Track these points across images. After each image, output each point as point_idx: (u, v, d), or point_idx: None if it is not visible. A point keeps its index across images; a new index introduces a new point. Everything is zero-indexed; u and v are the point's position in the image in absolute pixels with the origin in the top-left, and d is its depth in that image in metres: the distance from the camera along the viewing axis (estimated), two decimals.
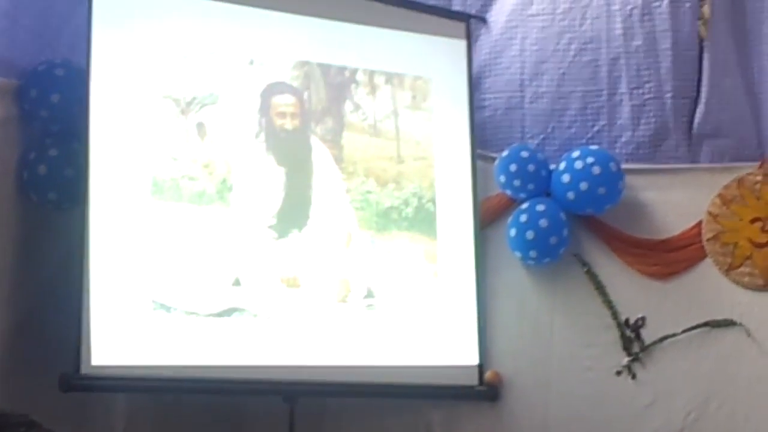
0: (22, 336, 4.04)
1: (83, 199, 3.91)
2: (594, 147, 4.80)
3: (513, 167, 4.77)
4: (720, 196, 4.77)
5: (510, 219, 4.80)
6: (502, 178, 4.80)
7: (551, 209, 4.72)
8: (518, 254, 4.79)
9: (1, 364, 3.95)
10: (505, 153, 4.82)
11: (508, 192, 4.84)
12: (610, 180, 4.70)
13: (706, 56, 4.88)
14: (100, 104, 3.99)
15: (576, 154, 4.74)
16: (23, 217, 4.13)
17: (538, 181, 4.79)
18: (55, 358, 3.89)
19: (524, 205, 4.77)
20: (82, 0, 4.03)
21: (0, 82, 4.00)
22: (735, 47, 4.92)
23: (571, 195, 4.71)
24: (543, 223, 4.68)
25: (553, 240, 4.72)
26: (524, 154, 4.79)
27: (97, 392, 4.10)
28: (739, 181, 4.77)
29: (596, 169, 4.66)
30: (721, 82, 4.88)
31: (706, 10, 4.87)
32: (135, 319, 3.95)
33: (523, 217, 4.73)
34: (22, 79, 4.10)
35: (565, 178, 4.72)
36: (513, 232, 4.76)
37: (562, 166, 4.76)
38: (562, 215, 4.73)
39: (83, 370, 3.80)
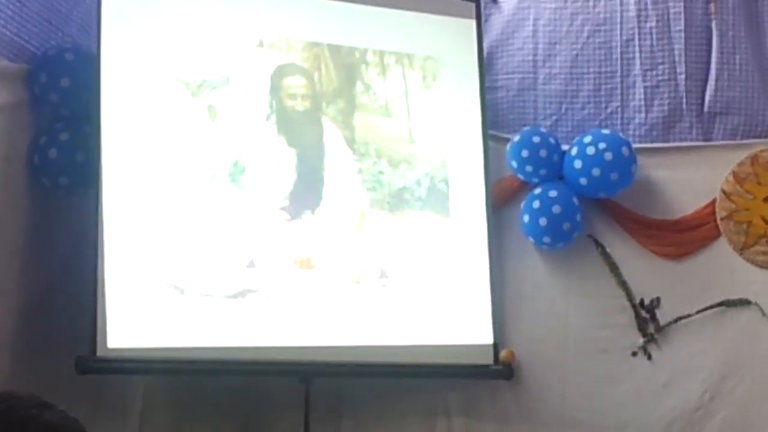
0: (35, 320, 4.03)
1: (95, 183, 3.90)
2: (606, 131, 4.77)
3: (525, 152, 4.74)
4: (733, 173, 4.75)
5: (523, 204, 4.78)
6: (514, 164, 4.78)
7: (564, 194, 4.70)
8: (532, 239, 4.78)
9: (16, 348, 3.94)
10: (516, 138, 4.79)
11: (521, 176, 4.83)
12: (623, 165, 4.68)
13: (714, 33, 4.87)
14: (111, 88, 3.98)
15: (588, 139, 4.71)
16: (34, 201, 4.11)
17: (550, 165, 4.77)
18: (71, 341, 3.90)
19: (537, 191, 4.75)
20: None
21: (9, 67, 3.96)
22: (745, 23, 4.89)
23: (583, 180, 4.69)
24: (556, 209, 4.67)
25: (566, 226, 4.70)
26: (536, 139, 4.75)
27: (113, 374, 4.10)
28: (753, 158, 4.75)
29: (608, 155, 4.63)
30: (731, 58, 4.86)
31: None
32: (150, 302, 3.95)
33: (536, 203, 4.71)
34: (32, 63, 4.08)
35: (577, 163, 4.69)
36: (526, 218, 4.74)
37: (574, 151, 4.73)
38: (575, 200, 4.71)
39: (99, 353, 3.81)
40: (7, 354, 3.90)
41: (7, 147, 3.96)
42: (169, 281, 3.99)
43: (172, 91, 4.13)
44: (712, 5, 4.87)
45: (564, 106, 4.98)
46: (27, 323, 4.01)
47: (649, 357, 4.75)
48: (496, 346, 4.67)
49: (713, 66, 4.87)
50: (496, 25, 5.05)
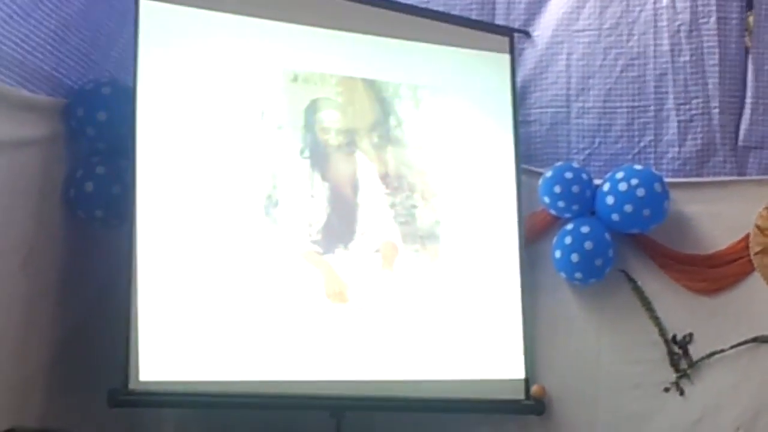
0: (70, 353, 4.07)
1: (130, 216, 3.92)
2: (638, 166, 4.76)
3: (557, 188, 4.74)
4: (767, 208, 4.73)
5: (555, 240, 4.78)
6: (546, 199, 4.78)
7: (596, 230, 4.70)
8: (563, 275, 4.77)
9: (49, 381, 3.98)
10: (548, 173, 4.79)
11: (553, 212, 4.83)
12: (655, 201, 4.68)
13: (750, 66, 4.86)
14: (147, 122, 4.00)
15: (620, 174, 4.71)
16: (70, 234, 4.15)
17: (582, 201, 4.76)
18: (104, 374, 3.90)
19: (569, 226, 4.75)
20: (128, 20, 4.07)
21: (47, 101, 4.01)
22: None
23: (615, 216, 4.68)
24: (588, 245, 4.66)
25: (598, 262, 4.70)
26: (568, 174, 4.75)
27: (145, 407, 4.12)
28: None
29: (641, 191, 4.63)
30: (766, 92, 4.84)
31: (751, 21, 4.84)
32: (183, 335, 3.95)
33: (568, 239, 4.71)
34: (69, 97, 4.13)
35: (610, 199, 4.69)
36: (558, 253, 4.74)
37: (606, 187, 4.73)
38: (607, 236, 4.71)
39: (131, 386, 3.80)
40: (43, 388, 3.94)
41: (43, 180, 4.00)
42: (202, 314, 3.99)
43: (208, 125, 4.15)
44: (747, 39, 4.86)
45: (597, 140, 4.98)
46: (63, 357, 4.05)
47: (682, 393, 4.73)
48: (527, 381, 4.67)
49: (748, 100, 4.86)
50: (529, 59, 5.07)
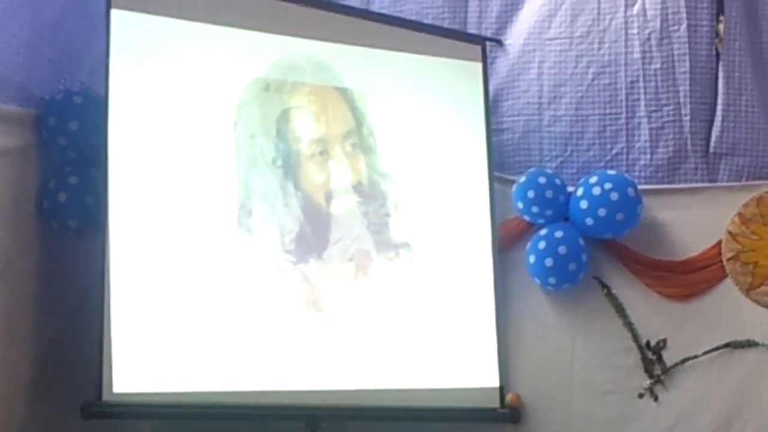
0: (46, 364, 4.05)
1: (103, 226, 3.90)
2: (611, 172, 4.80)
3: (531, 193, 4.76)
4: (739, 215, 4.76)
5: (528, 245, 4.80)
6: (520, 205, 4.80)
7: (570, 235, 4.72)
8: (537, 280, 4.79)
9: (25, 392, 3.96)
10: (522, 179, 4.81)
11: (527, 218, 4.84)
12: (629, 205, 4.70)
13: (721, 74, 4.88)
14: (118, 131, 3.97)
15: (594, 179, 4.73)
16: (45, 245, 4.13)
17: (556, 206, 4.79)
18: (79, 385, 3.89)
19: (542, 231, 4.77)
20: (101, 30, 4.02)
21: (19, 111, 3.99)
22: (751, 64, 4.92)
23: (589, 221, 4.70)
24: (562, 249, 4.68)
25: (572, 266, 4.71)
26: (542, 180, 4.78)
27: (118, 419, 4.08)
28: (759, 199, 4.76)
29: (614, 195, 4.65)
30: (737, 99, 4.88)
31: (721, 27, 4.88)
32: (156, 346, 3.93)
33: (542, 244, 4.72)
34: (41, 107, 4.11)
35: (583, 204, 4.71)
36: (532, 258, 4.75)
37: (580, 191, 4.75)
38: (581, 240, 4.73)
39: (105, 397, 3.78)
40: (24, 400, 3.93)
41: (16, 191, 3.98)
42: (176, 325, 3.97)
43: (180, 134, 4.13)
44: (718, 46, 4.89)
45: (569, 148, 5.00)
46: (42, 369, 4.03)
47: (656, 399, 4.75)
48: (502, 389, 4.68)
49: (719, 107, 4.89)
50: (501, 67, 5.08)
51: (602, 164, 4.94)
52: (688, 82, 4.91)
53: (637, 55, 4.96)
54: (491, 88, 5.01)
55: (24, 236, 4.03)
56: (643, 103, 4.96)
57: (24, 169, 4.05)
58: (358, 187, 4.52)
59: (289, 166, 4.38)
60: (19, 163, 4.02)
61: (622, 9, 4.97)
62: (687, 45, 4.91)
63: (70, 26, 4.28)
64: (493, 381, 4.67)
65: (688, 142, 4.91)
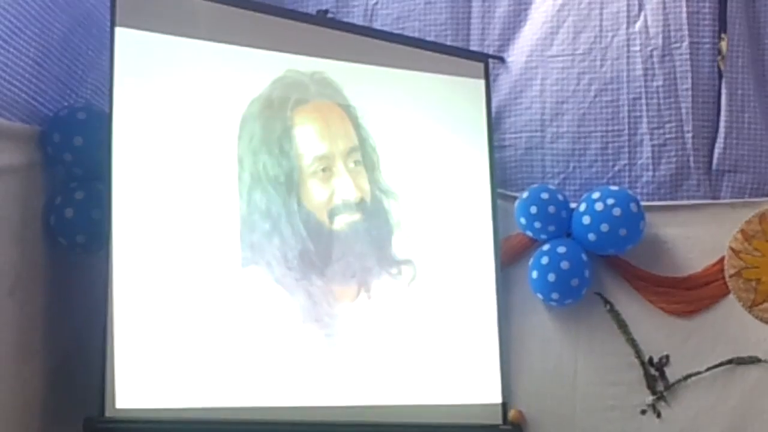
0: (55, 380, 4.05)
1: (106, 242, 3.90)
2: (614, 187, 4.81)
3: (533, 209, 4.78)
4: (742, 231, 4.78)
5: (531, 260, 4.82)
6: (523, 220, 4.82)
7: (572, 251, 4.74)
8: (540, 296, 4.80)
9: (37, 408, 3.97)
10: (524, 194, 4.84)
11: (529, 233, 4.86)
12: (631, 221, 4.72)
13: (723, 91, 4.91)
14: (123, 147, 3.98)
15: (596, 195, 4.75)
16: (53, 261, 4.13)
17: (558, 222, 4.81)
18: (84, 401, 3.89)
19: (545, 247, 4.79)
20: (107, 47, 4.04)
21: (24, 128, 3.99)
22: (753, 81, 4.94)
23: (592, 236, 4.72)
24: (564, 265, 4.69)
25: (574, 282, 4.72)
26: (544, 195, 4.80)
27: None
28: (761, 216, 4.78)
29: (617, 211, 4.67)
30: (740, 116, 4.91)
31: (723, 45, 4.90)
32: (160, 361, 3.94)
33: (545, 260, 4.74)
34: (45, 124, 4.11)
35: (586, 219, 4.73)
36: (534, 274, 4.77)
37: (583, 207, 4.77)
38: (584, 256, 4.74)
39: (108, 413, 3.77)
40: (35, 416, 3.94)
41: (23, 208, 3.98)
42: (179, 341, 3.98)
43: (183, 150, 4.13)
44: (720, 63, 4.91)
45: (571, 165, 5.02)
46: (53, 384, 4.03)
47: (659, 415, 4.76)
48: (504, 406, 4.68)
49: (722, 124, 4.91)
50: (504, 84, 5.12)
51: (605, 181, 4.97)
52: (690, 99, 4.94)
53: (639, 72, 4.99)
54: (494, 104, 5.04)
55: (32, 253, 4.02)
56: (645, 119, 4.98)
57: (30, 185, 4.05)
58: (361, 204, 4.52)
59: (292, 183, 4.37)
60: (26, 180, 4.02)
61: (624, 26, 5.00)
62: (689, 62, 4.94)
63: (77, 44, 4.30)
64: (495, 397, 4.68)
65: (691, 158, 4.93)
